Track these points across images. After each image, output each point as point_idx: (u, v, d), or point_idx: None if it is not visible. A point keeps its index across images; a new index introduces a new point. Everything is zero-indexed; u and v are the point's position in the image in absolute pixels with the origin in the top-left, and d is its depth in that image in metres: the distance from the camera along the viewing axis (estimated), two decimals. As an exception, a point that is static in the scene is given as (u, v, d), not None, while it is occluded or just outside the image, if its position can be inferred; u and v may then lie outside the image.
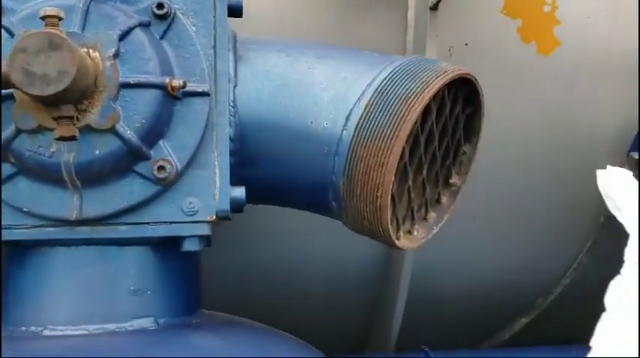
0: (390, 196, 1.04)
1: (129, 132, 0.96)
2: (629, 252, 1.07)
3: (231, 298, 1.64)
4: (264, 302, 1.69)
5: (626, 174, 1.22)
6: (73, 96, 0.88)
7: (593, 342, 1.00)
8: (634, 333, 0.99)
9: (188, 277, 1.13)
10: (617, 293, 1.02)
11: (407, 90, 1.03)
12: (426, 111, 1.08)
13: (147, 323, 1.05)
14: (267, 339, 1.15)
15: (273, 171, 1.10)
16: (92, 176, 0.97)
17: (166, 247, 1.07)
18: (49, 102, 0.88)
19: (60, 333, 1.02)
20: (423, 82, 1.04)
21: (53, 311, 1.03)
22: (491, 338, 1.90)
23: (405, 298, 1.75)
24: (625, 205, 1.14)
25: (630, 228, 1.11)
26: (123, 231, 1.02)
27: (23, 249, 1.04)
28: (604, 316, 1.01)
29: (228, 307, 1.50)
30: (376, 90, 1.05)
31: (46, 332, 1.02)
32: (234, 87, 1.08)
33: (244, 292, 1.69)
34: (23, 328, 1.03)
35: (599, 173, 1.25)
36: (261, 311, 1.64)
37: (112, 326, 1.03)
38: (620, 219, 1.14)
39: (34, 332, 1.02)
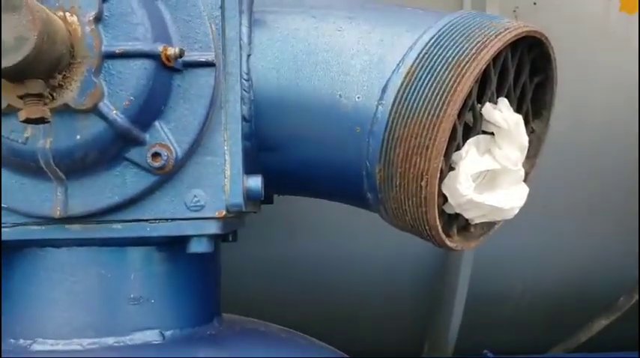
0: (437, 186, 0.84)
1: (115, 111, 0.80)
2: None
3: (270, 297, 1.50)
4: (306, 303, 1.53)
5: None
6: (41, 69, 0.72)
7: None
8: None
9: (201, 281, 0.97)
10: None
11: (458, 53, 0.83)
12: (484, 79, 0.87)
13: (150, 336, 0.90)
14: (293, 351, 0.98)
15: (297, 157, 0.92)
16: (76, 165, 0.82)
17: (173, 247, 0.91)
18: (12, 77, 0.72)
19: (49, 348, 0.88)
20: (478, 43, 0.83)
21: (43, 322, 0.89)
22: (564, 342, 1.68)
23: (465, 295, 1.55)
24: None
25: None
26: (117, 229, 0.86)
27: (11, 251, 0.91)
28: None
29: (266, 306, 1.36)
30: (419, 54, 0.85)
31: (35, 347, 0.88)
32: (248, 56, 0.90)
33: (284, 290, 1.53)
34: (12, 340, 0.90)
35: None
36: (303, 313, 1.49)
37: (109, 340, 0.88)
38: None
39: (22, 346, 0.89)
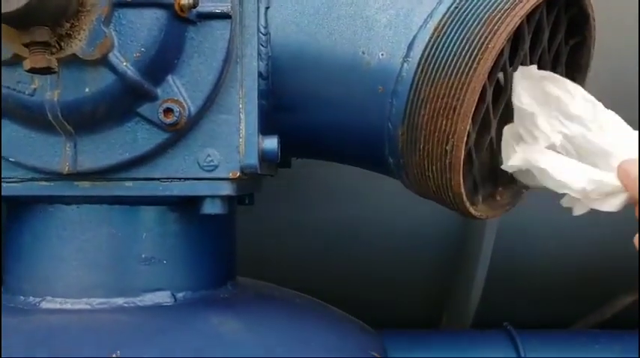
0: (463, 151, 0.79)
1: (125, 63, 0.76)
2: None
3: (286, 262, 1.48)
4: (323, 269, 1.50)
5: None
6: (47, 16, 0.68)
7: None
8: None
9: (215, 243, 0.94)
10: None
11: (490, 8, 0.77)
12: (517, 38, 0.82)
13: (161, 297, 0.87)
14: (308, 319, 0.95)
15: (316, 117, 0.88)
16: (85, 119, 0.79)
17: (186, 208, 0.88)
18: (18, 24, 0.69)
19: (58, 306, 0.86)
20: (513, -3, 0.77)
21: (53, 281, 0.87)
22: (586, 318, 1.64)
23: (487, 266, 1.51)
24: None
25: None
26: (128, 187, 0.83)
27: (20, 206, 0.89)
28: None
29: (282, 271, 1.34)
30: (449, 8, 0.79)
31: (44, 305, 0.87)
32: (267, 8, 0.85)
33: (301, 255, 1.51)
34: (22, 297, 0.89)
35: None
36: (319, 279, 1.47)
37: (119, 301, 0.86)
38: None
39: (32, 304, 0.87)
